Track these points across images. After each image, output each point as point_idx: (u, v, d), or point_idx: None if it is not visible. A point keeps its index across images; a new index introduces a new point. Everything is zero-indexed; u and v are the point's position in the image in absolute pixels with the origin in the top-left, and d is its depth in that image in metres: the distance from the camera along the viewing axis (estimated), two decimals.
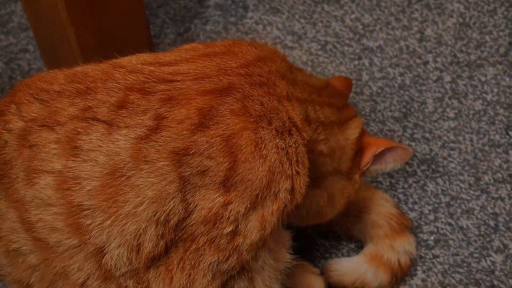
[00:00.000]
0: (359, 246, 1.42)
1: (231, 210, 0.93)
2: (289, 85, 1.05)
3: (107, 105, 0.94)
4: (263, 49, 1.09)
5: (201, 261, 0.94)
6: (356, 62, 1.70)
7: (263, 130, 0.96)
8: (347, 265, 1.35)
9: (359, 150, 1.21)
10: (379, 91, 1.65)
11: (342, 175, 1.19)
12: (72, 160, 0.91)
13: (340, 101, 1.21)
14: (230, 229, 0.94)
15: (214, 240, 0.94)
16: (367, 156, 1.21)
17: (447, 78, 1.67)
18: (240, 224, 0.94)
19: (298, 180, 0.99)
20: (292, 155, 0.98)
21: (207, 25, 1.76)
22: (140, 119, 0.92)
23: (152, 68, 0.99)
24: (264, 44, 1.12)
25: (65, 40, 1.38)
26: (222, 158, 0.93)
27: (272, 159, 0.96)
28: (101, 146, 0.91)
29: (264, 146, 0.95)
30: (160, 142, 0.91)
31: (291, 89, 1.04)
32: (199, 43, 1.11)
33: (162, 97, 0.95)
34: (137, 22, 1.49)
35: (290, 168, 0.98)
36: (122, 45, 1.47)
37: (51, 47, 1.50)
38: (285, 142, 0.98)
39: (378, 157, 1.22)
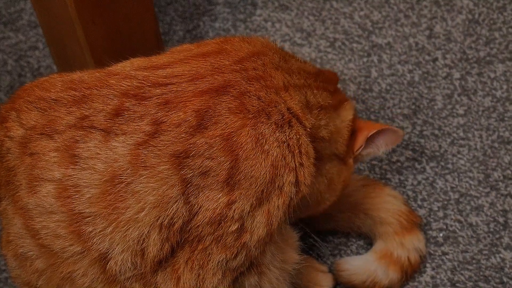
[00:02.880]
0: (368, 243, 1.42)
1: (235, 209, 0.93)
2: (285, 74, 1.05)
3: (103, 113, 0.94)
4: (255, 43, 1.09)
5: (209, 260, 0.95)
6: (365, 59, 1.69)
7: (262, 125, 0.96)
8: (357, 264, 1.35)
9: (353, 133, 1.20)
10: (388, 88, 1.64)
11: (338, 159, 1.18)
12: (72, 168, 0.91)
13: (332, 87, 1.21)
14: (236, 227, 0.94)
15: (220, 239, 0.94)
16: (360, 139, 1.20)
17: (456, 75, 1.67)
18: (246, 222, 0.95)
19: (302, 171, 0.99)
20: (294, 147, 0.98)
21: (216, 22, 1.76)
22: (137, 125, 0.93)
23: (146, 73, 0.99)
24: (255, 38, 1.12)
25: (74, 38, 1.39)
26: (223, 157, 0.93)
27: (274, 154, 0.96)
28: (99, 154, 0.91)
29: (265, 141, 0.96)
30: (159, 146, 0.91)
31: (287, 78, 1.04)
32: (191, 43, 1.11)
33: (158, 101, 0.95)
34: (146, 20, 1.49)
35: (293, 161, 0.98)
36: (131, 42, 1.48)
37: (60, 45, 1.50)
38: (285, 134, 0.98)
39: (370, 140, 1.22)
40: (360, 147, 1.20)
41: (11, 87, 1.64)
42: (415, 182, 1.50)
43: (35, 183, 0.93)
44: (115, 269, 0.92)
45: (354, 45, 1.72)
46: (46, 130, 0.94)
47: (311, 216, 1.27)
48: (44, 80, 1.04)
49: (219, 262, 0.95)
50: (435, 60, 1.69)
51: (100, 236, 0.90)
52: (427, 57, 1.70)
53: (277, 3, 1.80)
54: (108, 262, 0.92)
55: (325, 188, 1.18)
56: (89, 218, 0.90)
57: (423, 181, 1.50)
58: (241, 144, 0.94)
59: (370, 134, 1.20)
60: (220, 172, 0.93)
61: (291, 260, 1.10)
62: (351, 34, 1.74)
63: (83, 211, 0.90)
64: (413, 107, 1.61)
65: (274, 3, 1.80)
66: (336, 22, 1.77)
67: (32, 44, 1.73)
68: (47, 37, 1.55)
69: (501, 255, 1.40)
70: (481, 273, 1.39)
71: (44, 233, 0.93)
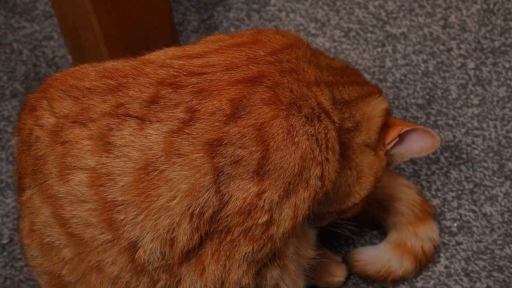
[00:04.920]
0: (382, 232, 1.42)
1: (265, 199, 0.94)
2: (317, 70, 1.05)
3: (139, 101, 0.94)
4: (289, 36, 1.09)
5: (236, 252, 0.95)
6: (379, 49, 1.69)
7: (293, 117, 0.96)
8: (371, 254, 1.35)
9: (386, 126, 1.19)
10: (402, 78, 1.64)
11: (370, 149, 1.17)
12: (105, 157, 0.91)
13: (360, 78, 1.20)
14: (265, 218, 0.94)
15: (249, 231, 0.94)
16: (393, 133, 1.18)
17: (471, 65, 1.66)
18: (275, 214, 0.95)
19: (327, 166, 0.99)
20: (322, 141, 0.98)
21: (230, 12, 1.77)
22: (172, 112, 0.93)
23: (181, 62, 0.99)
24: (288, 31, 1.12)
25: (89, 28, 1.39)
26: (255, 147, 0.93)
27: (304, 146, 0.96)
28: (133, 142, 0.91)
29: (296, 133, 0.96)
30: (193, 134, 0.91)
31: (319, 74, 1.05)
32: (224, 34, 1.11)
33: (193, 90, 0.95)
34: (160, 10, 1.50)
35: (320, 155, 0.98)
36: (145, 32, 1.48)
37: (75, 34, 1.51)
38: (315, 128, 0.98)
39: (404, 138, 1.20)
40: (393, 140, 1.18)
41: (26, 77, 1.65)
42: (429, 172, 1.50)
43: (67, 171, 0.93)
44: (144, 258, 0.92)
45: (369, 35, 1.72)
46: (79, 118, 0.95)
47: (345, 216, 1.25)
48: (76, 70, 1.04)
49: (246, 254, 0.96)
50: (449, 50, 1.69)
51: (131, 224, 0.91)
52: (441, 47, 1.69)
53: None
54: (137, 251, 0.92)
55: (354, 181, 1.16)
56: (121, 206, 0.90)
57: (437, 171, 1.50)
58: (273, 134, 0.94)
59: (404, 130, 1.18)
60: (251, 161, 0.93)
61: (306, 255, 1.11)
62: (365, 24, 1.74)
63: (116, 199, 0.90)
64: (427, 97, 1.61)
65: None
66: (351, 12, 1.76)
67: (47, 34, 1.74)
68: (62, 27, 1.56)
69: None
70: (495, 263, 1.38)
71: (75, 222, 0.93)
